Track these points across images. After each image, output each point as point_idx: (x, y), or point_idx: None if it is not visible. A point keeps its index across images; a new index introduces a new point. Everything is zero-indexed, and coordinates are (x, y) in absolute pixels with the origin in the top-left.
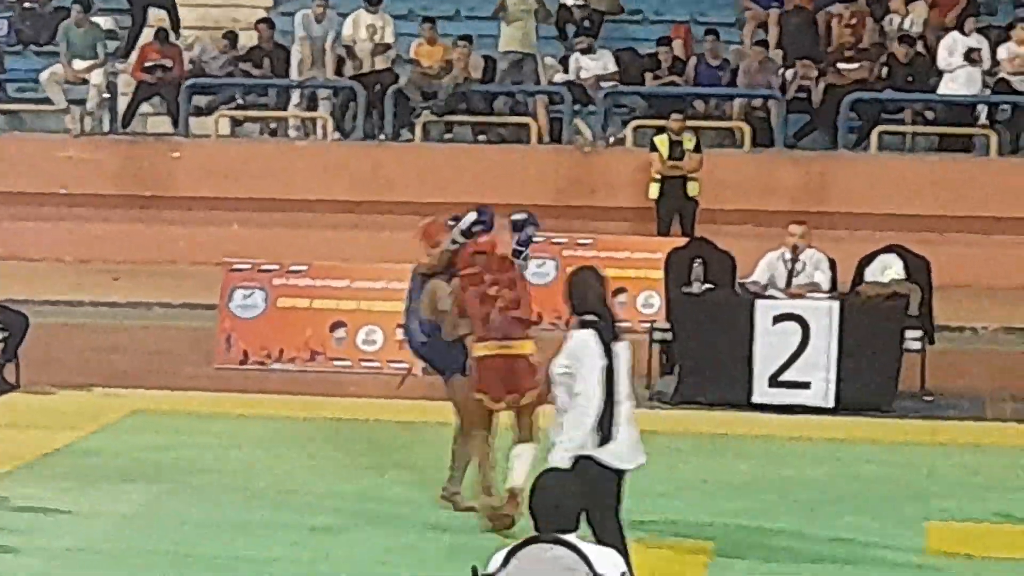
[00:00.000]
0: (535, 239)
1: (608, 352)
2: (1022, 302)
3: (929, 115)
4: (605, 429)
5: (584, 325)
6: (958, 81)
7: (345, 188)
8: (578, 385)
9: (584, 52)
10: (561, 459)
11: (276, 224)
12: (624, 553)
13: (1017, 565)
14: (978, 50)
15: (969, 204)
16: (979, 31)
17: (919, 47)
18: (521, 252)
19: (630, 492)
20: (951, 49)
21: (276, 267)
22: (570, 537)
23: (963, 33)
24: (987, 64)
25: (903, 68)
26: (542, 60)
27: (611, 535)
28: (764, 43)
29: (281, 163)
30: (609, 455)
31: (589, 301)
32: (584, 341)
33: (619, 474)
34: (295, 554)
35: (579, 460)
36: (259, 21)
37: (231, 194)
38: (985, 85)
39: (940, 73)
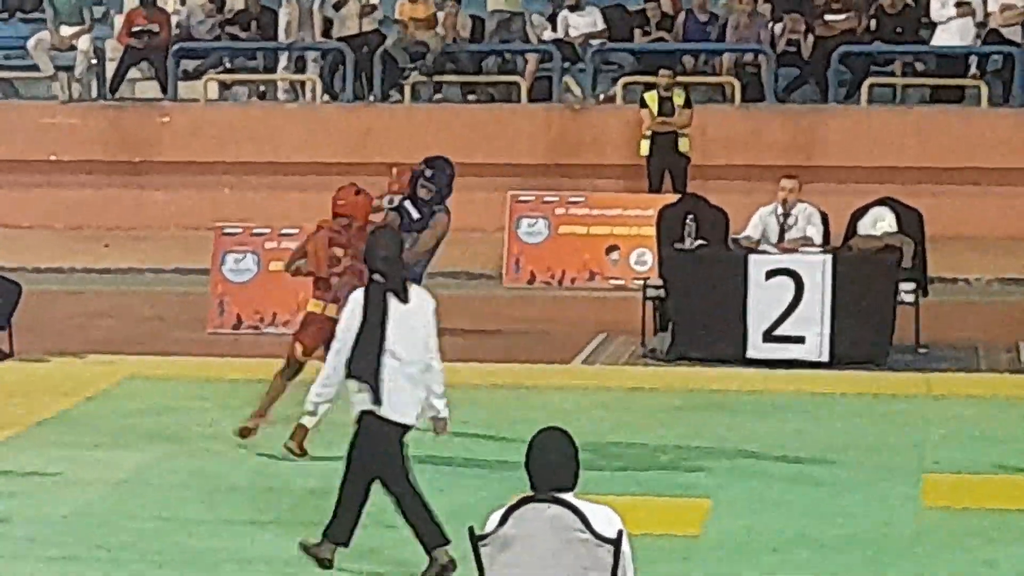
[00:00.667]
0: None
1: (382, 309)
2: (1015, 252)
3: (919, 67)
4: (372, 386)
5: (369, 283)
6: (951, 32)
7: (335, 150)
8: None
9: (572, 9)
10: (307, 414)
11: (266, 187)
12: (426, 515)
13: (1015, 515)
14: (967, 3)
15: (960, 155)
16: None
17: None
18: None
19: (627, 449)
20: (943, 0)
21: (267, 231)
22: (567, 496)
23: None
24: (980, 15)
25: (892, 19)
26: (530, 18)
27: (407, 499)
28: None
29: (270, 126)
30: (386, 408)
31: (375, 259)
32: (352, 300)
33: (400, 428)
34: (288, 517)
35: (361, 416)
36: None
37: (220, 158)
38: (976, 36)
39: (932, 25)
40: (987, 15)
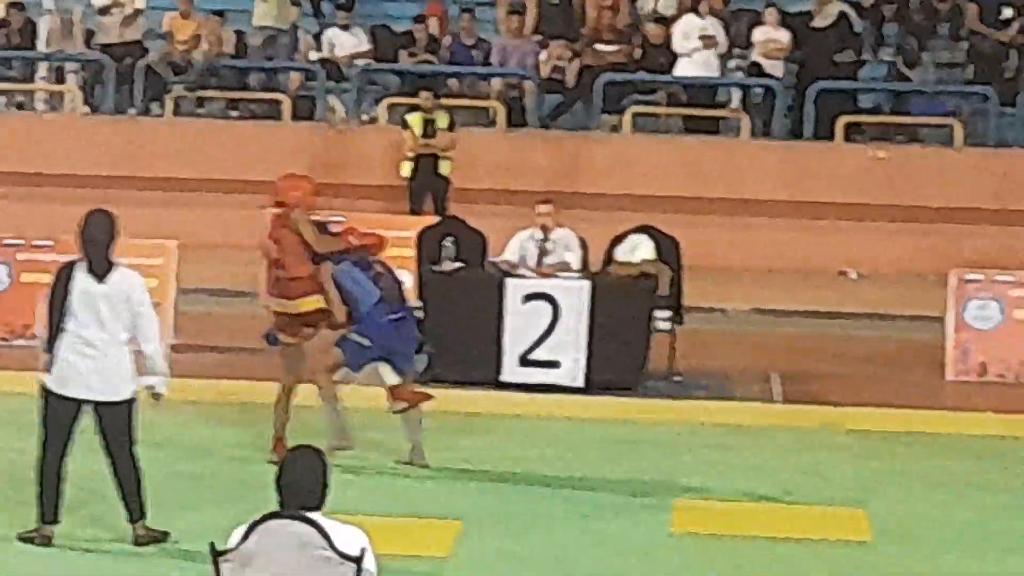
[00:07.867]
0: None
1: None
2: (769, 283)
3: (684, 98)
4: None
5: None
6: (696, 64)
7: (94, 163)
8: None
9: (341, 28)
10: None
11: (23, 199)
12: None
13: (760, 542)
14: (712, 36)
15: (720, 186)
16: (732, 14)
17: (672, 29)
18: None
19: (379, 469)
20: (686, 32)
21: (21, 242)
22: (313, 514)
23: (698, 15)
24: (723, 47)
25: (656, 50)
26: (301, 35)
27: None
28: (521, 23)
29: (28, 137)
30: None
31: None
32: None
33: None
34: None
35: None
36: (10, 5)
37: None
38: (739, 68)
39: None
40: (749, 47)
